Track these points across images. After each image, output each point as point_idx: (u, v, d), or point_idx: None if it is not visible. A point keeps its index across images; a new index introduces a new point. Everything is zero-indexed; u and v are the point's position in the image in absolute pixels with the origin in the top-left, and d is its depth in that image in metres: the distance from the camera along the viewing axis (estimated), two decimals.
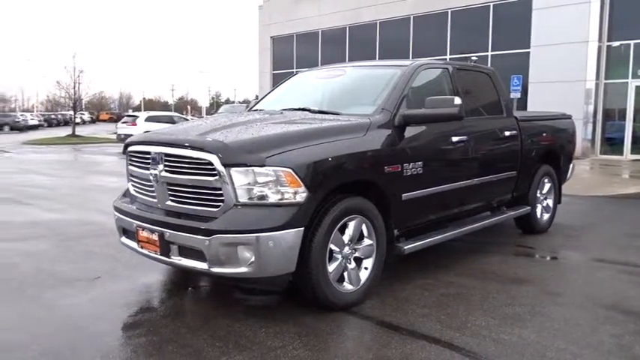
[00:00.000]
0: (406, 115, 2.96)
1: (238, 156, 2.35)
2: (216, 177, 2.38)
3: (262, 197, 2.35)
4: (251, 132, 2.64)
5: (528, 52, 11.78)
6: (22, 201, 5.74)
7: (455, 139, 3.32)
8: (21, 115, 30.73)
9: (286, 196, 2.35)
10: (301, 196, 2.37)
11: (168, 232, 2.48)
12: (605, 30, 10.94)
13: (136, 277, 3.19)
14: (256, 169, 2.33)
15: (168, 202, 2.62)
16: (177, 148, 2.54)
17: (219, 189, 2.39)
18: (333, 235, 2.54)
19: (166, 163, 2.59)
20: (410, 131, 2.99)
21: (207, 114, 43.51)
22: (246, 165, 2.33)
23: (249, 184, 2.34)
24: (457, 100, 2.91)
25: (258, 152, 2.36)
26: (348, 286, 2.68)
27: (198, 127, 2.83)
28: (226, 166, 2.34)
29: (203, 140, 2.51)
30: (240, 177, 2.35)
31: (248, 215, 2.32)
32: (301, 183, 2.36)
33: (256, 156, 2.35)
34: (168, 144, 2.60)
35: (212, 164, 2.38)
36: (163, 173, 2.60)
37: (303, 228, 2.38)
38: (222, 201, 2.40)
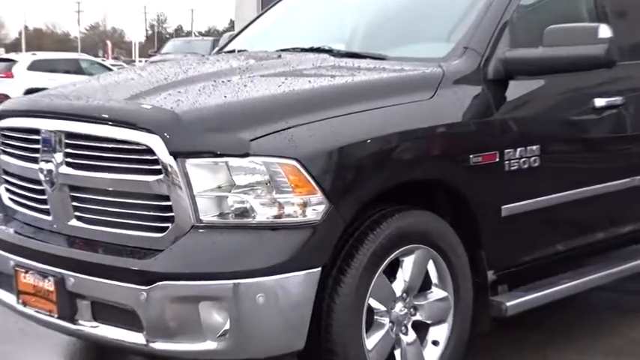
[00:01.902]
0: (509, 59, 2.98)
1: (200, 137, 2.40)
2: (160, 176, 2.41)
3: (244, 213, 2.39)
4: (223, 93, 2.69)
5: None
6: None
7: (600, 102, 3.31)
8: None
9: (288, 210, 2.40)
10: (316, 210, 2.41)
11: (72, 278, 2.53)
12: None
13: (14, 357, 3.22)
14: (233, 160, 2.38)
15: (74, 222, 2.67)
16: (88, 124, 2.57)
17: (166, 198, 2.42)
18: (374, 281, 2.57)
19: (69, 151, 2.63)
20: (516, 89, 3.02)
21: (142, 58, 42.22)
22: (213, 154, 2.38)
23: (219, 188, 2.39)
24: (604, 31, 2.92)
25: (235, 130, 2.42)
26: None
27: (128, 85, 2.87)
28: (178, 155, 2.37)
29: (136, 109, 2.56)
30: (203, 176, 2.39)
31: (218, 246, 2.39)
32: (316, 186, 2.41)
33: (233, 137, 2.40)
34: (72, 115, 2.65)
35: (152, 152, 2.40)
36: (64, 169, 2.64)
37: (319, 269, 2.42)
38: (170, 219, 2.43)
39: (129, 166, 2.49)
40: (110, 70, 18.39)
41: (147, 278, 2.36)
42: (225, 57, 3.53)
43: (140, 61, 33.55)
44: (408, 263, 2.71)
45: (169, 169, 2.38)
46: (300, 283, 2.39)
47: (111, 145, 2.51)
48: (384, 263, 2.61)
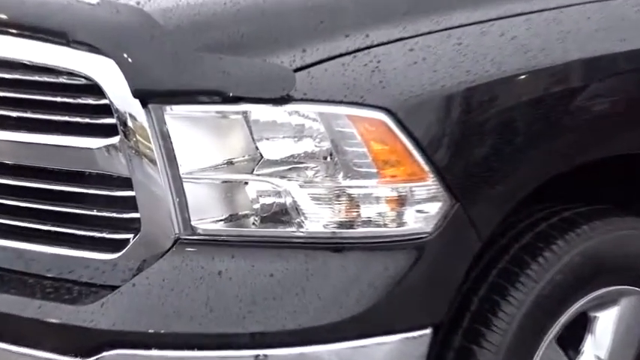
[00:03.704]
0: None
1: (193, 63, 2.32)
2: (115, 138, 2.36)
3: (280, 215, 2.35)
4: None
5: None
6: None
7: None
8: None
9: (368, 211, 2.34)
10: (425, 212, 2.37)
11: None
12: None
13: None
14: (258, 110, 2.31)
15: None
16: None
17: (125, 182, 2.37)
18: (539, 357, 2.59)
19: None
20: None
21: None
22: (220, 96, 2.31)
23: (230, 165, 2.33)
24: None
25: (263, 49, 2.39)
26: None
27: None
28: (150, 98, 2.31)
29: (69, 4, 2.49)
30: (198, 140, 2.36)
31: (227, 281, 2.33)
32: (425, 166, 2.34)
33: (258, 64, 2.35)
34: None
35: (99, 91, 2.34)
36: None
37: (429, 331, 2.39)
38: (132, 226, 2.39)
39: (53, 119, 2.44)
40: None
41: (84, 342, 2.32)
42: None
43: None
44: (607, 323, 2.71)
45: (131, 124, 2.32)
46: (390, 357, 2.37)
47: (18, 77, 2.48)
48: (559, 322, 2.60)
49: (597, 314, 2.69)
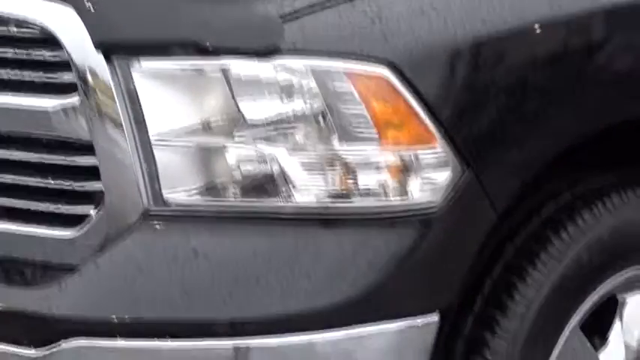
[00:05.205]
0: None
1: (165, 11, 2.29)
2: (73, 97, 2.28)
3: (263, 186, 2.27)
4: None
5: None
6: None
7: None
8: None
9: (367, 179, 2.28)
10: (433, 181, 2.30)
11: None
12: None
13: None
14: (240, 65, 2.24)
15: None
16: None
17: (86, 148, 2.29)
18: (561, 347, 2.52)
19: None
20: None
21: None
22: (195, 49, 2.24)
23: (208, 129, 2.27)
24: None
25: None
26: None
27: None
28: (114, 50, 2.24)
29: None
30: (170, 100, 2.28)
31: (203, 261, 2.26)
32: (433, 129, 2.27)
33: (239, 11, 2.28)
34: None
35: (55, 42, 2.27)
36: None
37: (435, 317, 2.31)
38: (94, 198, 2.31)
39: (1, 76, 2.39)
40: None
41: (40, 330, 2.26)
42: None
43: None
44: (637, 307, 2.68)
45: (93, 81, 2.24)
46: (392, 346, 2.29)
47: None
48: (584, 307, 2.53)
49: (627, 297, 2.62)
